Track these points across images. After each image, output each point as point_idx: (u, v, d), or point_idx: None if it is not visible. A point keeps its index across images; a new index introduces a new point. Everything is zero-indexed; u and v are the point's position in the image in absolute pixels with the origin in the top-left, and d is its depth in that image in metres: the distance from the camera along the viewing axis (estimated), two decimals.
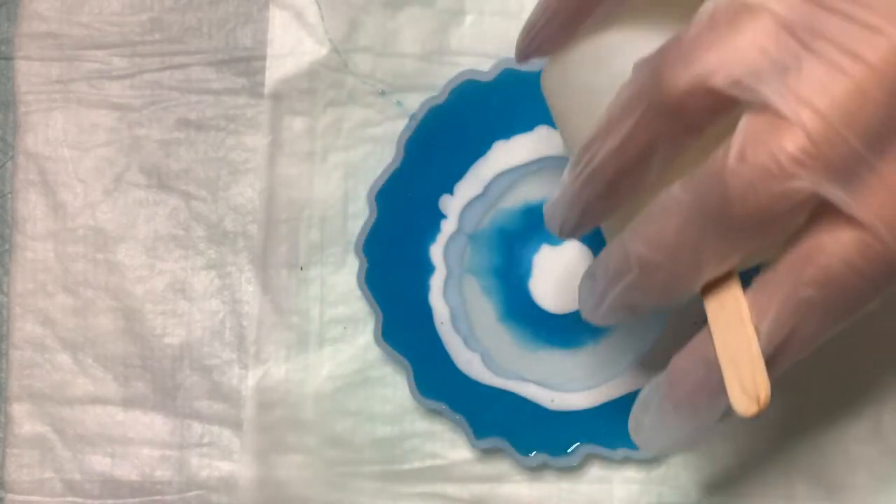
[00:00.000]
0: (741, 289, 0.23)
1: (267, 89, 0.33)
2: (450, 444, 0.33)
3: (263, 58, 0.34)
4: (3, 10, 0.35)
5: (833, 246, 0.21)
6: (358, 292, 0.33)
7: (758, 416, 0.22)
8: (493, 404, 0.32)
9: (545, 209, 0.26)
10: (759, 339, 0.22)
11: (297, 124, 0.33)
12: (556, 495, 0.33)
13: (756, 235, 0.22)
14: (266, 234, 0.33)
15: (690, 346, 0.24)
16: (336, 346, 0.33)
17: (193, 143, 0.34)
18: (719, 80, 0.21)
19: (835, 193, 0.21)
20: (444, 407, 0.32)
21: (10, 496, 0.34)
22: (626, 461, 0.32)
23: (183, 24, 0.34)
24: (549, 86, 0.27)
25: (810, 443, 0.32)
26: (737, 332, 0.22)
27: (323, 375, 0.33)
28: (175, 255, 0.34)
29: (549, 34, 0.26)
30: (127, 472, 0.34)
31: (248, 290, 0.34)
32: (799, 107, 0.20)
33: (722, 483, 0.32)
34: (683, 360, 0.24)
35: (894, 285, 0.22)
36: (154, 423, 0.34)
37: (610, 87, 0.24)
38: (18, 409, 0.34)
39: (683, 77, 0.21)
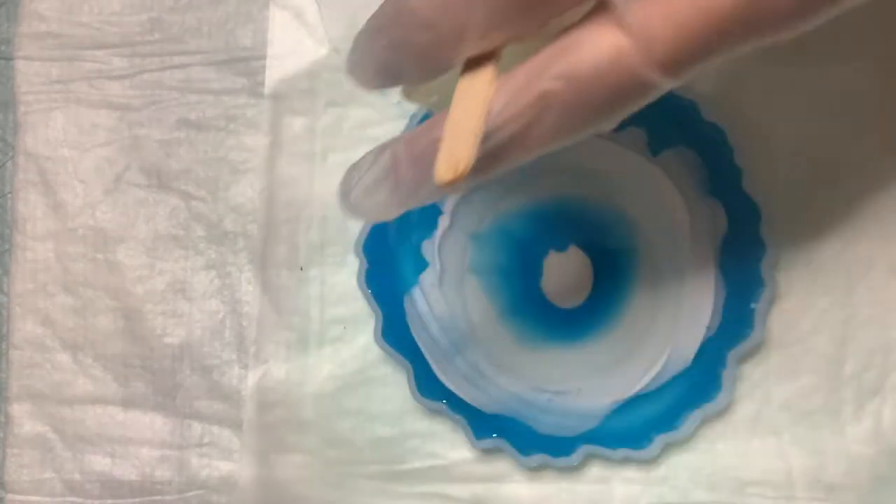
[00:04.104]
0: (495, 73, 0.22)
1: (267, 89, 0.33)
2: (450, 444, 0.33)
3: (263, 58, 0.34)
4: (3, 10, 0.35)
5: (590, 45, 0.20)
6: (358, 292, 0.33)
7: (451, 186, 0.22)
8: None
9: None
10: (487, 118, 0.21)
11: (297, 124, 0.33)
12: (555, 495, 0.33)
13: (523, 13, 0.21)
14: (266, 234, 0.33)
15: (427, 124, 0.23)
16: (336, 346, 0.33)
17: (193, 143, 0.34)
18: None
19: None
20: (444, 407, 0.32)
21: (10, 496, 0.34)
22: (625, 461, 0.32)
23: (183, 24, 0.34)
24: None
25: (810, 443, 0.32)
26: (468, 108, 0.22)
27: (323, 375, 0.33)
28: (175, 255, 0.34)
29: None
30: (127, 472, 0.34)
31: (248, 290, 0.34)
32: None
33: (722, 483, 0.32)
34: (416, 134, 0.23)
35: (633, 106, 0.21)
36: (154, 423, 0.34)
37: None
38: (18, 409, 0.34)
39: None
